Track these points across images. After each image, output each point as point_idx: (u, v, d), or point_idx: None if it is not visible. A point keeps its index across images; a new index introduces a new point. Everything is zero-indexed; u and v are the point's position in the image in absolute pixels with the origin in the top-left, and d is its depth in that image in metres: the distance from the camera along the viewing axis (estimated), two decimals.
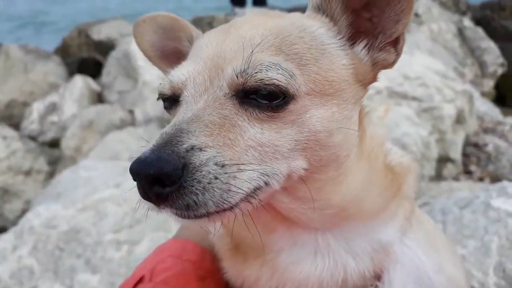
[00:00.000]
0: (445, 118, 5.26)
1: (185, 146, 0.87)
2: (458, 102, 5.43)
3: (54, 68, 7.60)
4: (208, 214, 0.90)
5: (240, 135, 0.92)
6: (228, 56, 0.98)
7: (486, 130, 6.68)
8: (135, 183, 0.89)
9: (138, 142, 5.11)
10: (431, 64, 5.74)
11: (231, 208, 0.91)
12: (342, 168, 1.04)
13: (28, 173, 6.05)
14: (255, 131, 0.93)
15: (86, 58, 8.23)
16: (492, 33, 8.18)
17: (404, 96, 5.20)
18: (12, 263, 3.11)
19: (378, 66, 1.09)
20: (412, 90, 5.23)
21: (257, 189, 0.93)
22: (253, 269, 1.16)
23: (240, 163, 0.90)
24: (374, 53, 1.08)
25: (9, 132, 6.41)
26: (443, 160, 5.31)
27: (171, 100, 1.07)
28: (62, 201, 3.39)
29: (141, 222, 3.12)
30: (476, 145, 6.01)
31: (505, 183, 2.86)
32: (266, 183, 0.94)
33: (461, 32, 7.99)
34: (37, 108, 6.78)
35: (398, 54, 1.09)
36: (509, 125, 6.79)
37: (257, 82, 0.93)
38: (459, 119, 5.50)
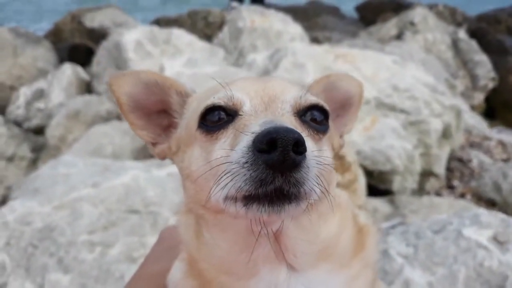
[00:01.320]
0: (432, 133, 5.28)
1: (297, 134, 0.96)
2: (445, 117, 5.45)
3: (44, 53, 7.52)
4: (298, 199, 0.98)
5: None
6: (278, 90, 1.18)
7: (472, 144, 6.71)
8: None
9: (122, 137, 5.08)
10: (421, 76, 5.75)
11: (305, 200, 0.99)
12: (329, 204, 1.14)
13: (10, 159, 6.00)
14: (311, 145, 1.09)
15: (77, 45, 8.14)
16: (486, 46, 8.21)
17: (392, 108, 5.21)
18: None
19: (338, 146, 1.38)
20: (401, 102, 5.24)
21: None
22: None
23: (320, 161, 1.04)
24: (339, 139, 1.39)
25: None
26: (426, 174, 5.33)
27: (215, 111, 1.16)
28: (39, 197, 3.37)
29: (116, 225, 3.11)
30: (460, 160, 6.04)
31: (479, 211, 2.88)
32: (325, 190, 1.07)
33: (455, 44, 8.01)
34: (24, 93, 6.71)
35: (340, 148, 1.39)
36: (496, 140, 6.83)
37: (312, 102, 1.18)
38: (446, 134, 5.52)
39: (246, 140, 0.98)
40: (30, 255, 3.15)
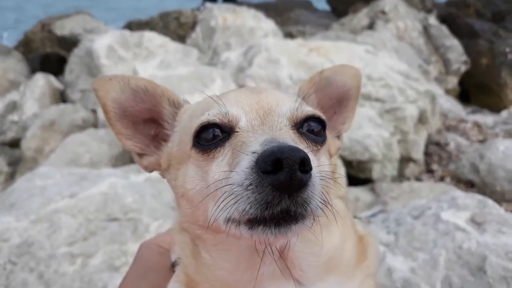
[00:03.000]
0: (408, 119, 5.33)
1: (302, 152, 0.93)
2: (420, 102, 5.51)
3: (14, 65, 7.38)
4: (304, 217, 0.95)
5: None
6: (273, 103, 1.15)
7: (449, 128, 6.80)
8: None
9: (99, 144, 5.02)
10: (394, 64, 5.80)
11: (310, 218, 0.97)
12: (331, 214, 1.13)
13: None
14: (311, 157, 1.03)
15: (49, 54, 8.01)
16: (457, 31, 8.31)
17: (367, 97, 5.25)
18: None
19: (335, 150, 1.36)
20: (375, 91, 5.28)
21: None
22: None
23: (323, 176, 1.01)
24: (335, 141, 1.38)
25: None
26: (405, 160, 5.39)
27: (210, 129, 1.13)
28: (15, 212, 3.30)
29: (96, 234, 3.07)
30: (438, 144, 6.11)
31: (457, 193, 2.92)
32: (326, 204, 1.05)
33: (426, 30, 8.10)
34: None
35: (339, 146, 1.40)
36: (471, 122, 6.93)
37: (309, 114, 1.15)
38: (422, 120, 5.58)
39: (248, 161, 0.94)
40: (9, 272, 3.09)
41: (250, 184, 0.92)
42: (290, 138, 1.03)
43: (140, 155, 1.30)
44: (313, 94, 1.32)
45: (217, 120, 1.11)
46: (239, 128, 1.09)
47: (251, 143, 1.00)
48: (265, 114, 1.11)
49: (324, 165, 1.12)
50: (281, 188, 0.90)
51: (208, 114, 1.12)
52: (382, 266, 2.63)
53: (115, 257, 2.95)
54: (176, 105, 1.28)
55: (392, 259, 2.62)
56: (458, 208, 2.67)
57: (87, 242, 3.07)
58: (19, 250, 3.09)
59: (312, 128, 1.15)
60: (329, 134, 1.27)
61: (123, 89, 1.24)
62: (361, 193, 4.68)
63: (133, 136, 1.27)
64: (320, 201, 0.95)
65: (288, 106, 1.15)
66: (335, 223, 1.16)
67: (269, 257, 1.07)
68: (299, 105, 1.16)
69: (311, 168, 0.92)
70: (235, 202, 0.93)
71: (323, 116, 1.18)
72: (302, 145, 1.07)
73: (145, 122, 1.29)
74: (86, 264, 2.98)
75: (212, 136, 1.10)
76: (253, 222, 0.94)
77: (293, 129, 1.11)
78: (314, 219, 0.98)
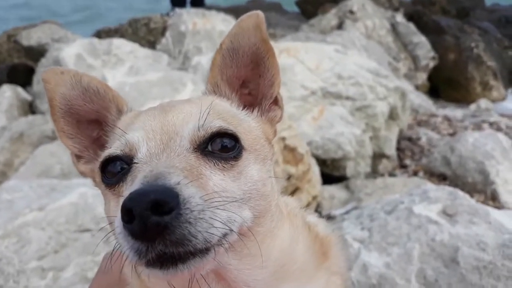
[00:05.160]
0: (379, 116, 5.38)
1: (173, 180, 0.91)
2: (390, 99, 5.57)
3: None
4: (194, 254, 0.91)
5: (206, 182, 0.99)
6: (178, 123, 1.09)
7: (420, 123, 6.91)
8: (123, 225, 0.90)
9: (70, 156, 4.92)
10: (364, 62, 5.85)
11: (209, 250, 0.93)
12: (274, 219, 1.13)
13: None
14: (218, 179, 1.02)
15: (16, 65, 7.83)
16: (424, 28, 8.46)
17: (338, 96, 5.28)
18: None
19: (272, 124, 1.27)
20: (346, 89, 5.32)
21: (224, 235, 0.97)
22: None
23: (218, 202, 0.95)
24: (265, 114, 1.25)
25: None
26: (378, 156, 5.44)
27: (117, 162, 1.09)
28: None
29: (67, 246, 3.00)
30: (410, 139, 6.19)
31: (428, 186, 2.96)
32: (231, 230, 0.99)
33: (394, 28, 8.21)
34: None
35: (281, 109, 1.28)
36: (441, 116, 7.05)
37: (213, 131, 1.06)
38: (392, 116, 5.65)
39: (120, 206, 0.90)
40: None
41: (120, 233, 0.90)
42: (180, 168, 0.96)
43: (78, 158, 1.25)
44: (224, 78, 1.22)
45: (119, 153, 1.07)
46: (137, 159, 1.04)
47: (136, 180, 0.95)
48: (168, 139, 1.06)
49: (241, 175, 1.05)
50: (140, 237, 0.87)
51: (111, 147, 1.09)
52: (357, 263, 2.64)
53: (87, 269, 2.89)
54: (120, 112, 1.23)
55: (367, 255, 2.64)
56: (430, 201, 2.70)
57: (58, 255, 2.99)
58: None
59: (225, 144, 1.07)
60: (261, 117, 1.23)
61: (74, 86, 1.21)
62: (336, 190, 4.70)
63: (74, 136, 1.24)
64: (214, 230, 0.90)
65: (190, 126, 1.07)
66: (281, 227, 1.14)
67: (206, 279, 1.04)
68: (203, 123, 1.07)
69: (172, 208, 0.86)
70: (121, 248, 0.92)
71: (231, 129, 1.08)
72: (206, 166, 1.01)
73: (89, 123, 1.25)
74: (58, 278, 2.90)
75: (120, 169, 1.07)
76: (147, 264, 0.91)
77: (196, 152, 1.04)
78: (222, 247, 0.95)
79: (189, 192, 0.90)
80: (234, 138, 1.08)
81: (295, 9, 11.62)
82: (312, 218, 1.32)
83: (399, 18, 8.30)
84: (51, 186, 3.62)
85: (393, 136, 5.60)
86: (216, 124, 1.08)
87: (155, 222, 0.85)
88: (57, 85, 1.20)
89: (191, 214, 0.88)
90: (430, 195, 2.75)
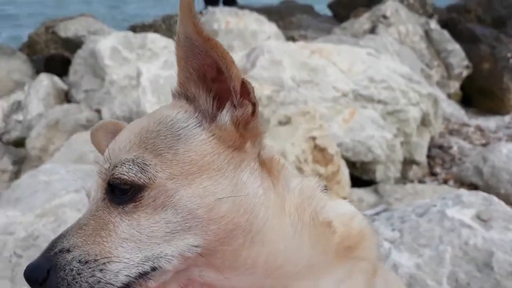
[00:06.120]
0: (410, 121, 5.35)
1: (56, 249, 1.02)
2: (423, 105, 5.53)
3: (19, 66, 7.40)
4: None
5: (113, 231, 1.03)
6: (105, 159, 1.10)
7: (451, 132, 6.83)
8: None
9: None
10: (396, 67, 5.82)
11: None
12: (253, 231, 1.05)
13: None
14: (126, 224, 1.03)
15: (53, 55, 8.03)
16: (458, 36, 8.34)
17: (369, 99, 5.27)
18: None
19: (241, 124, 1.09)
20: (378, 93, 5.30)
21: (143, 274, 1.02)
22: None
23: (106, 257, 1.00)
24: (234, 113, 1.09)
25: None
26: (408, 162, 5.40)
27: None
28: (21, 207, 3.32)
29: None
30: (441, 147, 6.13)
31: (461, 191, 2.94)
32: (154, 268, 1.02)
33: (427, 34, 8.13)
34: (1, 106, 6.60)
35: (254, 104, 1.09)
36: (474, 126, 6.96)
37: (114, 178, 1.04)
38: (424, 122, 5.60)
39: None
40: (14, 265, 3.10)
41: None
42: (81, 224, 1.06)
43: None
44: (188, 74, 1.09)
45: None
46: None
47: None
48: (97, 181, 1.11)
49: (142, 217, 1.02)
50: None
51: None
52: (387, 262, 2.64)
53: None
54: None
55: (398, 255, 2.63)
56: (463, 205, 2.68)
57: None
58: (25, 243, 3.10)
59: (118, 187, 1.04)
60: (225, 115, 1.08)
61: (106, 134, 1.35)
62: (365, 194, 4.69)
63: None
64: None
65: (107, 166, 1.07)
66: (272, 229, 1.05)
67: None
68: (111, 163, 1.06)
69: (42, 283, 0.99)
70: None
71: (126, 174, 1.02)
72: (115, 213, 1.04)
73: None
74: None
75: None
76: None
77: (105, 200, 1.07)
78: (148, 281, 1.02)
79: (67, 259, 1.00)
80: (121, 181, 1.03)
81: (328, 12, 11.60)
82: (344, 206, 1.25)
83: (433, 24, 8.22)
84: (86, 171, 3.71)
85: (424, 142, 5.56)
86: (116, 169, 1.04)
87: None
88: (99, 142, 1.34)
89: (62, 282, 0.99)
90: (463, 200, 2.74)
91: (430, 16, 8.87)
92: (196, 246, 1.01)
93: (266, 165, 1.12)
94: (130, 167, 1.02)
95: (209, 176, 1.03)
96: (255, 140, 1.12)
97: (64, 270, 0.99)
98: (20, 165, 6.08)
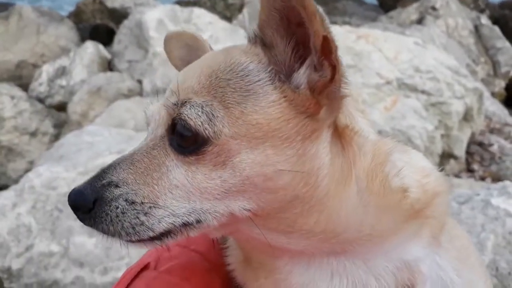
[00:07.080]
0: (453, 114, 5.24)
1: (104, 181, 0.97)
2: (467, 99, 5.40)
3: (66, 32, 7.58)
4: (130, 240, 0.98)
5: (165, 175, 0.97)
6: (171, 92, 1.01)
7: (492, 130, 6.64)
8: None
9: None
10: (444, 59, 5.69)
11: (152, 239, 0.98)
12: (313, 200, 0.97)
13: (33, 134, 6.09)
14: (180, 172, 0.96)
15: (99, 25, 8.19)
16: (509, 33, 8.09)
17: (413, 89, 5.17)
18: (10, 220, 3.14)
19: (317, 89, 0.95)
20: (422, 83, 5.20)
21: (186, 225, 0.98)
22: None
23: (153, 202, 0.96)
24: (311, 75, 0.95)
25: (18, 92, 6.43)
26: (446, 156, 5.30)
27: None
28: (64, 163, 3.41)
29: None
30: (481, 144, 5.99)
31: (507, 182, 2.87)
32: (198, 221, 0.98)
33: (477, 30, 7.90)
34: (46, 70, 6.79)
35: (334, 68, 0.92)
36: None
37: (180, 118, 0.94)
38: (467, 117, 5.48)
39: None
40: (55, 218, 3.20)
41: None
42: (129, 162, 0.99)
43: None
44: (274, 19, 0.93)
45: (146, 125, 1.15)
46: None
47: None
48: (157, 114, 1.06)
49: (204, 174, 0.94)
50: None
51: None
52: None
53: None
54: None
55: None
56: (510, 196, 2.62)
57: None
58: (66, 199, 3.19)
59: (180, 132, 0.96)
60: (302, 74, 0.95)
61: (181, 46, 1.25)
62: None
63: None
64: (133, 232, 0.95)
65: (174, 99, 0.97)
66: (335, 196, 0.97)
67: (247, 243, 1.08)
68: (178, 98, 0.96)
69: (85, 213, 0.95)
70: None
71: (190, 119, 0.93)
72: (171, 155, 0.97)
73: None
74: None
75: None
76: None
77: (163, 139, 0.99)
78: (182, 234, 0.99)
79: (114, 194, 0.95)
80: (189, 129, 0.94)
81: (373, 0, 11.41)
82: (422, 162, 1.11)
83: (484, 20, 7.98)
84: (129, 135, 3.79)
85: (464, 137, 5.44)
86: (188, 106, 0.94)
87: (81, 218, 0.98)
88: (171, 52, 1.25)
89: (106, 217, 0.95)
90: (510, 190, 2.67)
91: (482, 11, 8.62)
92: (248, 210, 0.97)
93: (338, 132, 1.01)
94: (199, 113, 0.93)
95: (274, 145, 0.93)
96: (332, 107, 0.98)
97: (110, 206, 0.95)
98: (60, 128, 6.25)
